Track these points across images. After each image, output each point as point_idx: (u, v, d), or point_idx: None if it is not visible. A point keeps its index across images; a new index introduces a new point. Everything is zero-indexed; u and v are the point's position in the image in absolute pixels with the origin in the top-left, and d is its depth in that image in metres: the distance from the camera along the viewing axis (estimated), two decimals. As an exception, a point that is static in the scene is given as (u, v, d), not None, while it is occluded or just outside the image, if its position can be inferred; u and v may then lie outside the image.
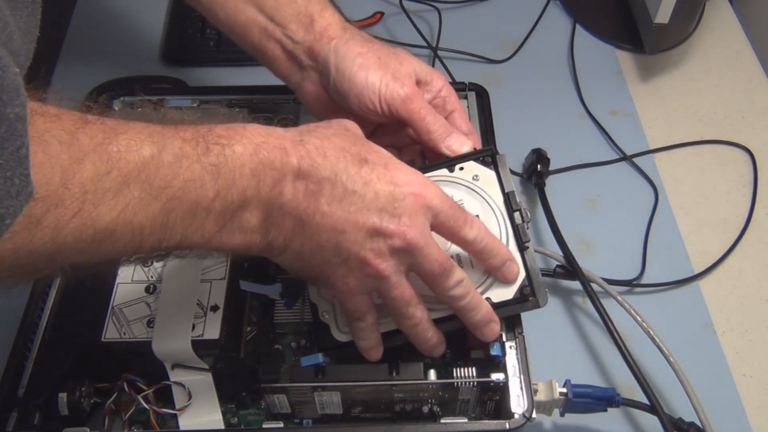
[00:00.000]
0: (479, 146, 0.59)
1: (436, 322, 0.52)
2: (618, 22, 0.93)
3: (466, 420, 0.52)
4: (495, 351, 0.54)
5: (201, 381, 0.54)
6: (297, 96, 0.63)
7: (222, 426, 0.55)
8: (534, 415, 0.51)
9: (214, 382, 0.54)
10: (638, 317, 0.61)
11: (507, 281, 0.53)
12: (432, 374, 0.53)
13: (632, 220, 0.75)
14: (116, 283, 0.57)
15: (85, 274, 0.39)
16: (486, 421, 0.54)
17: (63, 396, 0.53)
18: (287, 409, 0.55)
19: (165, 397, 0.55)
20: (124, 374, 0.55)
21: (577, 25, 0.93)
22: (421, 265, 0.48)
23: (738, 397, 0.64)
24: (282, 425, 0.53)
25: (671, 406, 0.62)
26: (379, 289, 0.48)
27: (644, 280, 0.71)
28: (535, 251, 0.56)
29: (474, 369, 0.53)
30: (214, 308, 0.55)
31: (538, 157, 0.73)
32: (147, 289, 0.57)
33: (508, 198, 0.56)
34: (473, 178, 0.57)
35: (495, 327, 0.52)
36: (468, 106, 0.69)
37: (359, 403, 0.55)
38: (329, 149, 0.46)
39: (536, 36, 0.92)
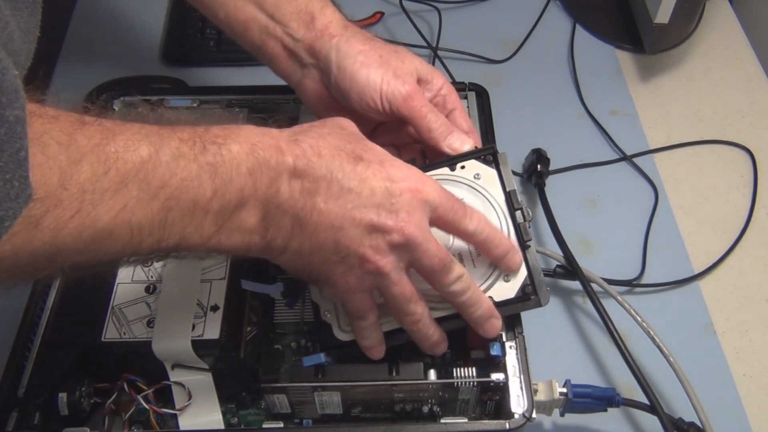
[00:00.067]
0: (480, 145, 0.59)
1: (438, 321, 0.52)
2: (618, 22, 0.93)
3: (466, 420, 0.52)
4: (495, 351, 0.54)
5: (201, 381, 0.54)
6: (297, 95, 0.63)
7: (222, 426, 0.55)
8: (534, 415, 0.51)
9: (214, 382, 0.54)
10: (638, 317, 0.61)
11: (510, 271, 0.53)
12: (432, 374, 0.53)
13: (632, 220, 0.75)
14: (116, 283, 0.57)
15: (84, 275, 0.40)
16: (486, 421, 0.54)
17: (63, 396, 0.52)
18: (287, 409, 0.55)
19: (165, 397, 0.55)
20: (124, 374, 0.55)
21: (577, 25, 0.93)
22: (421, 261, 0.48)
23: (738, 397, 0.64)
24: (282, 425, 0.53)
25: (671, 406, 0.62)
26: (380, 286, 0.48)
27: (644, 280, 0.71)
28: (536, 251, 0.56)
29: (474, 369, 0.53)
30: (214, 308, 0.55)
31: (538, 157, 0.73)
32: (147, 289, 0.57)
33: (509, 197, 0.56)
34: (474, 177, 0.57)
35: (497, 323, 0.52)
36: (468, 106, 0.69)
37: (359, 403, 0.55)
38: (324, 148, 0.46)
39: (536, 36, 0.92)
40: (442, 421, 0.53)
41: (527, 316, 0.55)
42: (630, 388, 0.60)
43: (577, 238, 0.72)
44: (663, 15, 0.80)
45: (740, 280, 0.71)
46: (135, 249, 0.39)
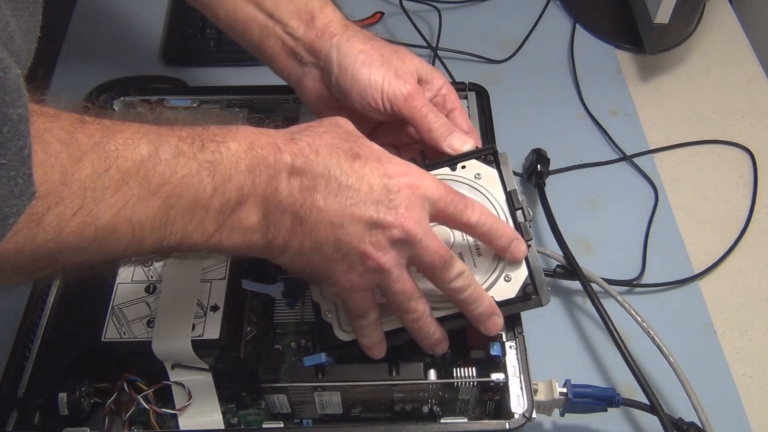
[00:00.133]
0: (480, 145, 0.59)
1: (439, 321, 0.52)
2: (618, 22, 0.93)
3: (466, 420, 0.52)
4: (495, 351, 0.54)
5: (201, 381, 0.54)
6: (297, 94, 0.63)
7: (222, 426, 0.55)
8: (534, 415, 0.51)
9: (214, 382, 0.54)
10: (638, 317, 0.61)
11: (516, 261, 0.53)
12: (432, 374, 0.53)
13: (632, 220, 0.75)
14: (116, 283, 0.57)
15: (87, 275, 0.40)
16: (486, 421, 0.54)
17: (63, 396, 0.52)
18: (287, 409, 0.55)
19: (165, 397, 0.55)
20: (124, 374, 0.55)
21: (577, 25, 0.93)
22: (421, 257, 0.48)
23: (738, 397, 0.64)
24: (282, 425, 0.53)
25: (671, 406, 0.62)
26: (381, 283, 0.48)
27: (644, 280, 0.71)
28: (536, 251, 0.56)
29: (474, 369, 0.53)
30: (214, 308, 0.55)
31: (538, 157, 0.73)
32: (147, 289, 0.57)
33: (510, 196, 0.56)
34: (475, 177, 0.57)
35: (498, 320, 0.52)
36: (468, 106, 0.69)
37: (359, 403, 0.55)
38: (321, 146, 0.46)
39: (536, 36, 0.92)
40: (442, 421, 0.53)
41: (527, 316, 0.55)
42: (630, 388, 0.60)
43: (577, 238, 0.72)
44: (663, 15, 0.80)
45: (740, 280, 0.71)
46: (137, 248, 0.39)
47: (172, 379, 0.54)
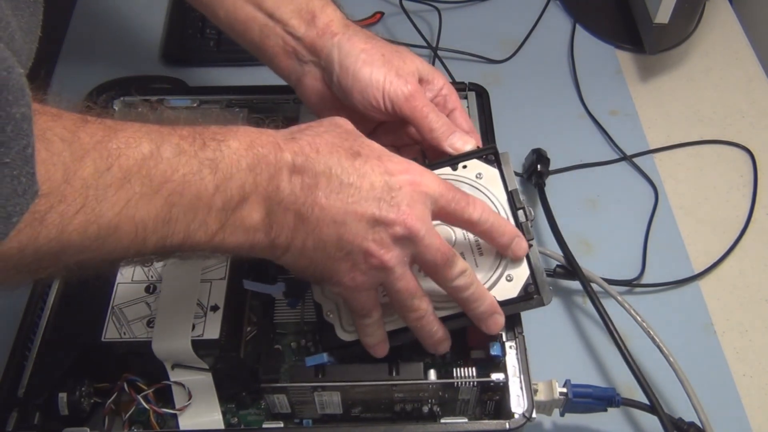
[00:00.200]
0: (481, 145, 0.59)
1: (441, 320, 0.52)
2: (618, 22, 0.93)
3: (466, 420, 0.52)
4: (495, 351, 0.54)
5: (201, 381, 0.54)
6: (297, 94, 0.63)
7: (222, 426, 0.55)
8: (534, 415, 0.51)
9: (214, 382, 0.54)
10: (638, 317, 0.61)
11: (517, 258, 0.53)
12: (432, 374, 0.53)
13: (632, 220, 0.75)
14: (116, 283, 0.57)
15: (90, 274, 0.40)
16: (486, 421, 0.54)
17: (63, 396, 0.53)
18: (287, 409, 0.55)
19: (165, 397, 0.55)
20: (124, 374, 0.55)
21: (577, 25, 0.93)
22: (424, 255, 0.48)
23: (738, 397, 0.64)
24: (282, 425, 0.53)
25: (671, 406, 0.62)
26: (385, 281, 0.48)
27: (644, 280, 0.71)
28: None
29: (474, 369, 0.53)
30: (214, 308, 0.55)
31: (538, 157, 0.73)
32: (147, 289, 0.57)
33: (511, 196, 0.56)
34: (476, 177, 0.57)
35: (500, 319, 0.52)
36: (468, 106, 0.69)
37: (359, 403, 0.55)
38: (321, 145, 0.46)
39: (536, 36, 0.92)
40: (442, 421, 0.53)
41: (527, 316, 0.55)
42: (630, 388, 0.60)
43: (577, 238, 0.72)
44: (663, 15, 0.80)
45: (740, 280, 0.71)
46: (140, 247, 0.39)
47: (172, 379, 0.54)
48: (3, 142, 0.30)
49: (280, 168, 0.44)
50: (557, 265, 0.66)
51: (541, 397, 0.54)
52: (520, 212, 0.55)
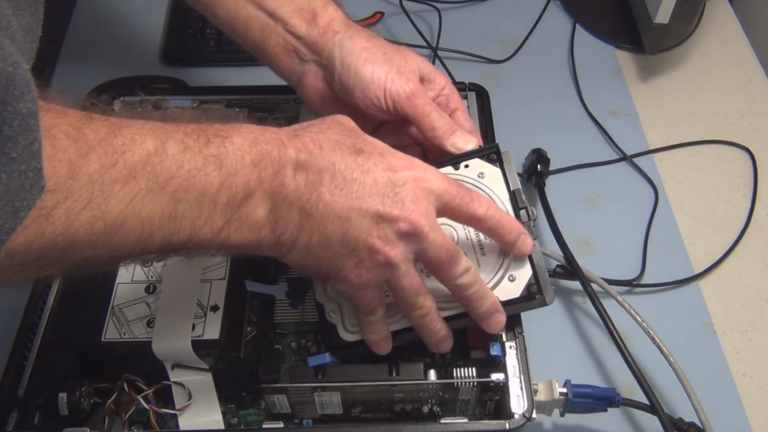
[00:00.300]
0: (482, 145, 0.59)
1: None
2: (618, 22, 0.93)
3: (466, 420, 0.52)
4: (495, 351, 0.54)
5: (201, 381, 0.54)
6: (298, 93, 0.63)
7: (222, 426, 0.55)
8: (534, 415, 0.51)
9: (214, 382, 0.54)
10: (638, 317, 0.61)
11: (523, 256, 0.53)
12: (432, 374, 0.53)
13: (632, 220, 0.75)
14: (116, 283, 0.57)
15: (96, 272, 0.40)
16: (486, 421, 0.54)
17: (63, 396, 0.53)
18: (287, 409, 0.55)
19: (165, 397, 0.55)
20: (124, 374, 0.55)
21: (577, 25, 0.93)
22: (428, 252, 0.48)
23: (738, 397, 0.64)
24: (282, 425, 0.53)
25: (671, 406, 0.62)
26: (390, 278, 0.48)
27: (644, 280, 0.71)
28: (538, 250, 0.56)
29: (474, 369, 0.53)
30: (214, 308, 0.55)
31: (538, 157, 0.73)
32: (147, 289, 0.57)
33: (513, 195, 0.56)
34: (479, 176, 0.57)
35: (502, 318, 0.52)
36: (468, 106, 0.69)
37: (359, 404, 0.55)
38: (324, 141, 0.46)
39: (536, 36, 0.92)
40: (442, 421, 0.53)
41: (527, 317, 0.55)
42: (630, 388, 0.60)
43: (577, 238, 0.72)
44: (663, 15, 0.80)
45: (740, 280, 0.71)
46: (146, 244, 0.39)
47: (172, 379, 0.54)
48: (10, 137, 0.30)
49: (284, 164, 0.44)
50: (557, 265, 0.66)
51: (541, 397, 0.54)
52: (523, 212, 0.55)
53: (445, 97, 0.60)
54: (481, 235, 0.55)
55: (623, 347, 0.58)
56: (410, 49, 0.60)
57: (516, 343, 0.54)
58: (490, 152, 0.58)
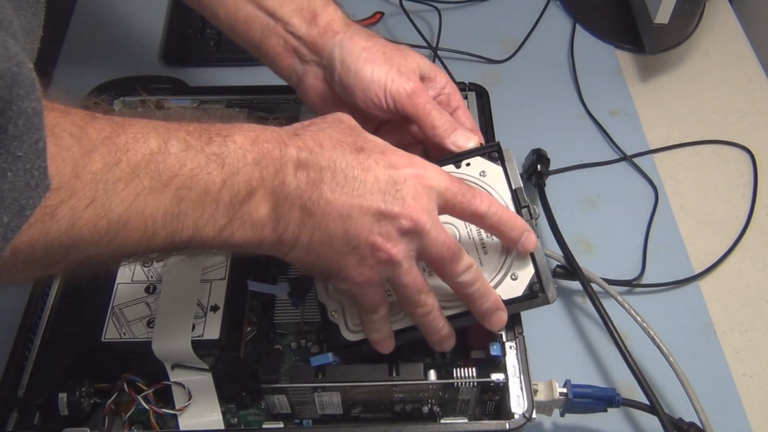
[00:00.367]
0: (484, 144, 0.59)
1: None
2: (618, 22, 0.93)
3: (466, 420, 0.52)
4: (495, 351, 0.54)
5: (201, 381, 0.54)
6: (298, 94, 0.63)
7: (222, 426, 0.55)
8: (534, 415, 0.51)
9: (214, 382, 0.54)
10: (638, 317, 0.61)
11: (527, 252, 0.53)
12: (432, 374, 0.53)
13: (632, 220, 0.75)
14: (116, 283, 0.57)
15: (99, 271, 0.40)
16: (486, 421, 0.54)
17: (63, 396, 0.53)
18: (287, 409, 0.55)
19: (165, 397, 0.55)
20: (124, 374, 0.55)
21: (577, 25, 0.93)
22: (430, 249, 0.48)
23: (738, 397, 0.64)
24: (282, 425, 0.53)
25: (671, 406, 0.62)
26: (392, 276, 0.48)
27: (644, 280, 0.71)
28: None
29: (474, 369, 0.53)
30: (214, 308, 0.55)
31: (538, 157, 0.73)
32: (147, 289, 0.57)
33: (515, 194, 0.56)
34: (480, 174, 0.57)
35: (503, 316, 0.52)
36: (468, 106, 0.69)
37: (359, 404, 0.55)
38: (325, 140, 0.46)
39: (536, 36, 0.92)
40: (442, 421, 0.53)
41: (527, 317, 0.55)
42: (630, 388, 0.60)
43: (577, 238, 0.72)
44: (663, 15, 0.80)
45: (740, 280, 0.71)
46: (149, 242, 0.39)
47: (172, 379, 0.54)
48: (15, 136, 0.30)
49: (285, 163, 0.44)
50: (557, 265, 0.66)
51: (541, 397, 0.54)
52: (524, 211, 0.55)
53: (446, 96, 0.60)
54: (484, 234, 0.55)
55: (623, 347, 0.58)
56: (410, 48, 0.60)
57: (516, 343, 0.54)
58: (491, 150, 0.58)
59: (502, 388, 0.53)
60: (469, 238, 0.55)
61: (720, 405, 0.61)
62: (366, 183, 0.46)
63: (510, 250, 0.54)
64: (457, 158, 0.58)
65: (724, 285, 0.71)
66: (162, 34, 0.90)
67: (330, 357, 0.53)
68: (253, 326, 0.58)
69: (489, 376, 0.53)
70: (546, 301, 0.53)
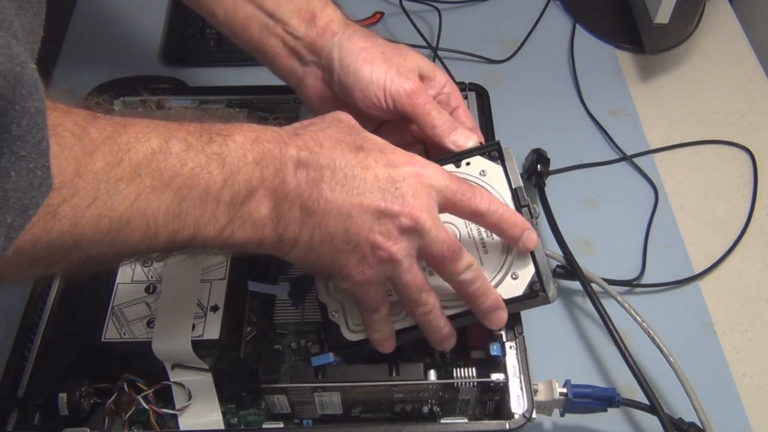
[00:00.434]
0: (484, 143, 0.59)
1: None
2: (618, 22, 0.93)
3: (466, 420, 0.52)
4: (495, 351, 0.54)
5: (201, 381, 0.54)
6: (298, 94, 0.63)
7: (222, 426, 0.55)
8: (534, 415, 0.51)
9: (214, 382, 0.54)
10: (638, 317, 0.61)
11: (527, 251, 0.53)
12: (432, 374, 0.53)
13: (632, 220, 0.75)
14: (116, 283, 0.57)
15: (101, 270, 0.40)
16: (486, 421, 0.54)
17: (63, 396, 0.53)
18: (287, 409, 0.55)
19: (165, 397, 0.55)
20: (124, 374, 0.55)
21: (577, 25, 0.93)
22: (430, 248, 0.48)
23: (738, 397, 0.64)
24: (282, 425, 0.53)
25: (671, 406, 0.62)
26: (393, 275, 0.48)
27: (644, 280, 0.71)
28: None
29: (474, 369, 0.53)
30: (214, 308, 0.55)
31: (538, 157, 0.73)
32: (147, 289, 0.57)
33: (516, 194, 0.56)
34: (480, 174, 0.57)
35: (503, 314, 0.52)
36: (468, 106, 0.69)
37: (359, 404, 0.55)
38: (324, 139, 0.46)
39: (536, 36, 0.92)
40: (442, 421, 0.53)
41: (527, 317, 0.55)
42: (630, 388, 0.60)
43: (577, 238, 0.72)
44: (663, 15, 0.80)
45: (740, 280, 0.71)
46: (151, 241, 0.40)
47: (172, 379, 0.54)
48: (19, 136, 0.31)
49: (285, 162, 0.44)
50: (557, 265, 0.66)
51: (541, 397, 0.54)
52: (525, 210, 0.55)
53: (446, 95, 0.60)
54: (484, 233, 0.55)
55: (623, 347, 0.58)
56: (409, 48, 0.60)
57: (516, 343, 0.54)
58: (491, 150, 0.58)
59: (502, 388, 0.53)
60: (470, 237, 0.55)
61: (720, 405, 0.61)
62: (366, 181, 0.46)
63: (510, 249, 0.54)
64: (457, 157, 0.58)
65: (724, 285, 0.71)
66: (162, 34, 0.90)
67: (331, 357, 0.53)
68: (253, 326, 0.58)
69: (489, 376, 0.53)
70: (546, 301, 0.53)
